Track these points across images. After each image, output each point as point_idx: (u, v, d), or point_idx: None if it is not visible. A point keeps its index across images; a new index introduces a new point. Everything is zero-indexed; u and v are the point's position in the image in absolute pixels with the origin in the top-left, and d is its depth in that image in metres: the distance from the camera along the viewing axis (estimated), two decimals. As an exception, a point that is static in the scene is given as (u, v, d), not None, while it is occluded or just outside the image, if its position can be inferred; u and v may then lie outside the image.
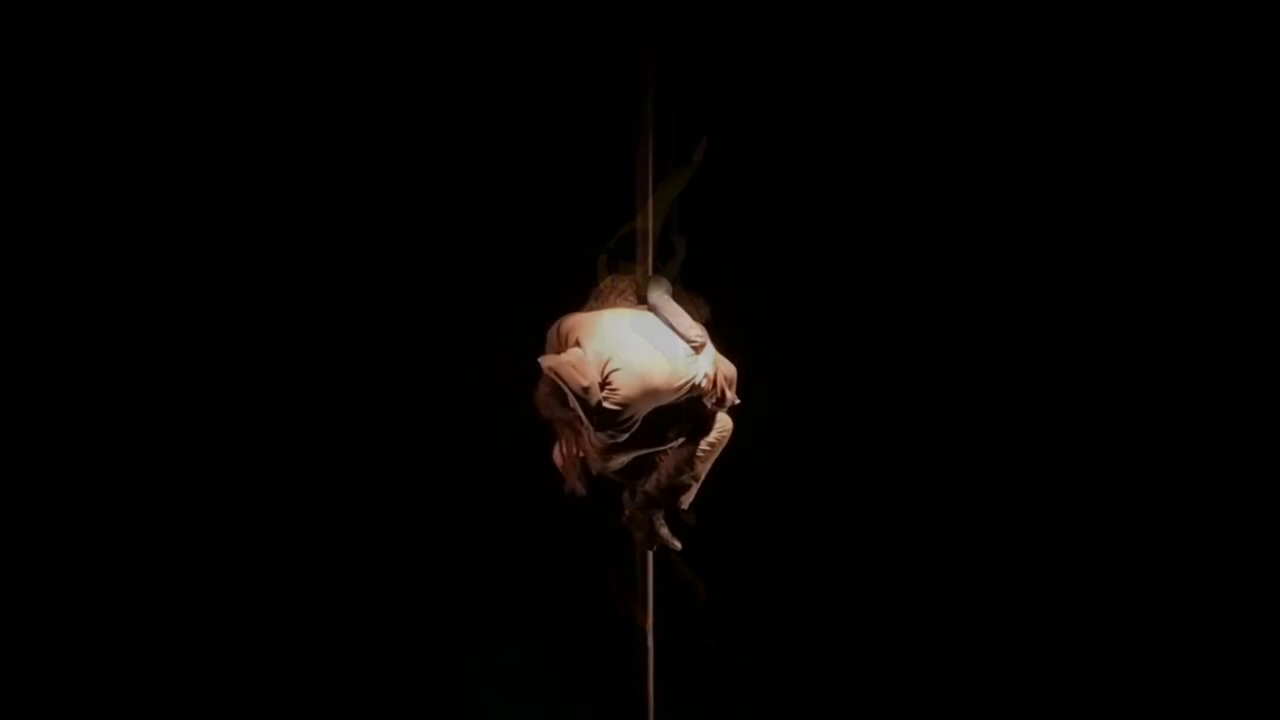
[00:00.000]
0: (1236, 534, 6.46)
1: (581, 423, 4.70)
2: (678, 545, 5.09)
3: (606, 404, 4.61)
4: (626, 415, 4.67)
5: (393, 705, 6.41)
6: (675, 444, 4.90)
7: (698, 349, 4.82)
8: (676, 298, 4.94)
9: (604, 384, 4.63)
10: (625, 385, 4.64)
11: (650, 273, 4.96)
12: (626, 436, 4.72)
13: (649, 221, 4.87)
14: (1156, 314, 6.44)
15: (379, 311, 6.36)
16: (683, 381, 4.76)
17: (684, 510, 5.04)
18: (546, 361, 4.68)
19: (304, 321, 6.33)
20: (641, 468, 4.98)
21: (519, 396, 4.96)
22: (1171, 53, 6.27)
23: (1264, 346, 6.40)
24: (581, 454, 4.84)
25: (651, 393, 4.70)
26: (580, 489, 4.89)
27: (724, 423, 4.98)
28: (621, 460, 4.86)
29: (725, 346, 4.95)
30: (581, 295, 5.02)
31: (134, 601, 6.28)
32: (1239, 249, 6.38)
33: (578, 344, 4.71)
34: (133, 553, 6.28)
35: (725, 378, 4.89)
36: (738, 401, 4.95)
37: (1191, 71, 6.28)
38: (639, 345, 4.71)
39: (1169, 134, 6.34)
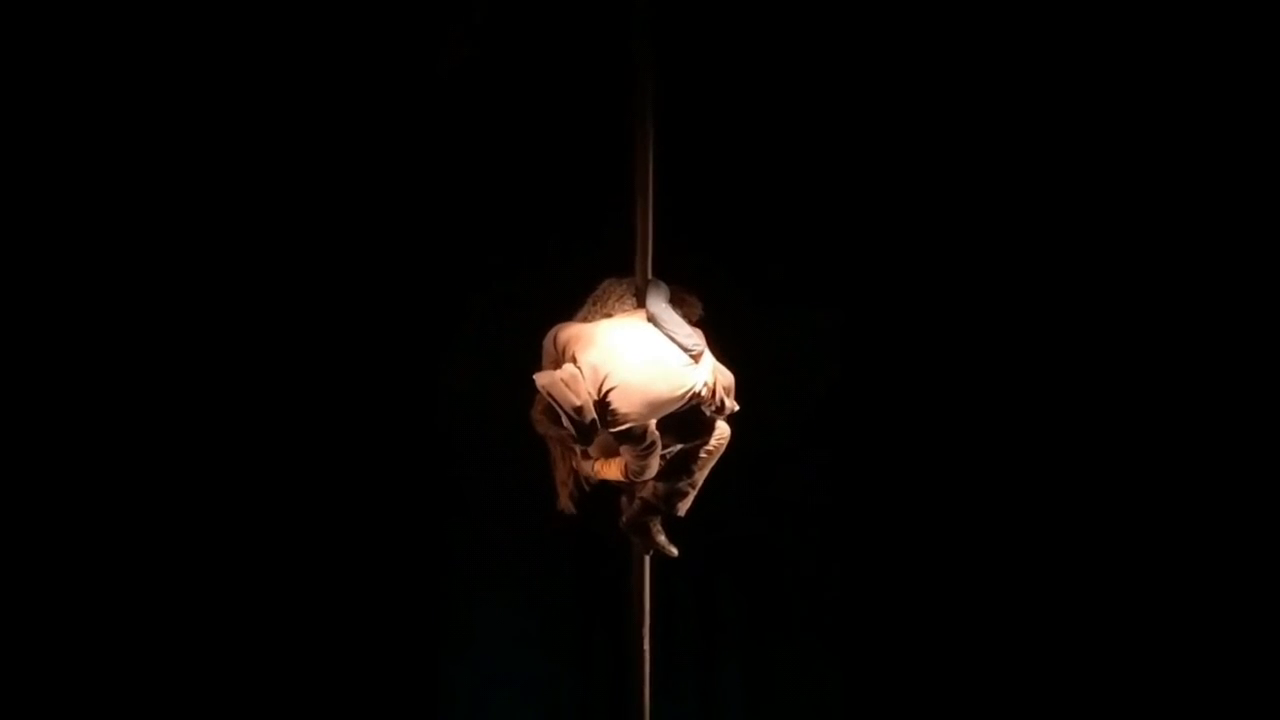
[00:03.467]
0: (1240, 535, 6.43)
1: (574, 440, 4.64)
2: (674, 552, 5.07)
3: (612, 429, 4.57)
4: (638, 429, 4.63)
5: (389, 705, 6.40)
6: (673, 450, 4.86)
7: (696, 358, 4.77)
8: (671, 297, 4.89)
9: (603, 401, 4.58)
10: (624, 401, 4.59)
11: (649, 277, 4.89)
12: (650, 444, 4.68)
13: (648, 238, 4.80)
14: (1145, 305, 6.41)
15: (377, 312, 6.34)
16: (683, 391, 4.71)
17: (680, 518, 5.01)
18: (541, 380, 4.62)
19: (300, 329, 6.31)
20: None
21: (515, 400, 4.91)
22: (1168, 51, 6.23)
23: (1264, 348, 6.35)
24: (574, 470, 4.82)
25: (653, 404, 4.66)
26: (571, 508, 4.89)
27: (722, 430, 4.94)
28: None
29: (720, 351, 4.89)
30: (578, 300, 4.94)
31: (134, 604, 6.26)
32: (1233, 251, 6.33)
33: (574, 359, 4.64)
34: (132, 557, 6.26)
35: (724, 386, 4.84)
36: (737, 409, 4.90)
37: (1177, 71, 6.24)
38: (637, 358, 4.66)
39: (1164, 131, 6.31)
